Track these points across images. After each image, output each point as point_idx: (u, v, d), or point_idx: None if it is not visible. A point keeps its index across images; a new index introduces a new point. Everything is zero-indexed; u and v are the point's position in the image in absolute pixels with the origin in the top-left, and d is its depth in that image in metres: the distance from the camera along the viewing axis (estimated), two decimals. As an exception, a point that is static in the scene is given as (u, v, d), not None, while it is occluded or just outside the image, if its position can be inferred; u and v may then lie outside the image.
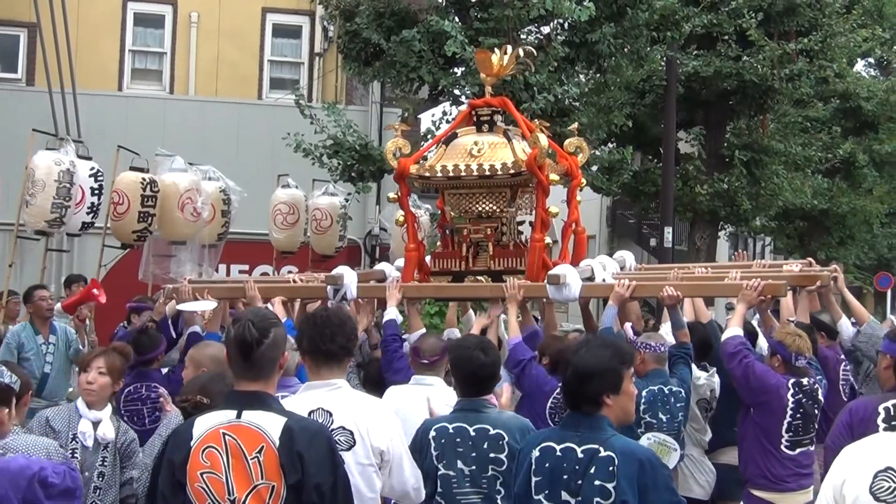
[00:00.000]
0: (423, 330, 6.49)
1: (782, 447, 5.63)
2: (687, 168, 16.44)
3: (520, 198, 6.66)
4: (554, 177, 6.42)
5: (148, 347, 6.45)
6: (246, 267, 13.68)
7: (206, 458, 3.14)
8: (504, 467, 4.36)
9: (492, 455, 4.40)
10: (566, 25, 11.29)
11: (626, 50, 11.62)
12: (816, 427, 5.79)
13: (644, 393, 5.79)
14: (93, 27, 15.33)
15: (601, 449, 3.41)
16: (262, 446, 3.12)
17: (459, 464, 4.42)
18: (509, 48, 6.88)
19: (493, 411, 4.55)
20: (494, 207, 6.57)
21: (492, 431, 4.41)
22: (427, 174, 6.59)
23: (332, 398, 3.87)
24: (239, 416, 3.18)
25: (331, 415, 3.84)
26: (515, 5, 10.23)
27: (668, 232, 15.33)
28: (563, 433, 3.55)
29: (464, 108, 7.02)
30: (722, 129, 16.78)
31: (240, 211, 10.73)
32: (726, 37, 15.42)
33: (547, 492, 3.49)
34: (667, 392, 5.99)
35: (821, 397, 5.74)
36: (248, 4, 16.09)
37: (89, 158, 9.83)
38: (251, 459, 3.12)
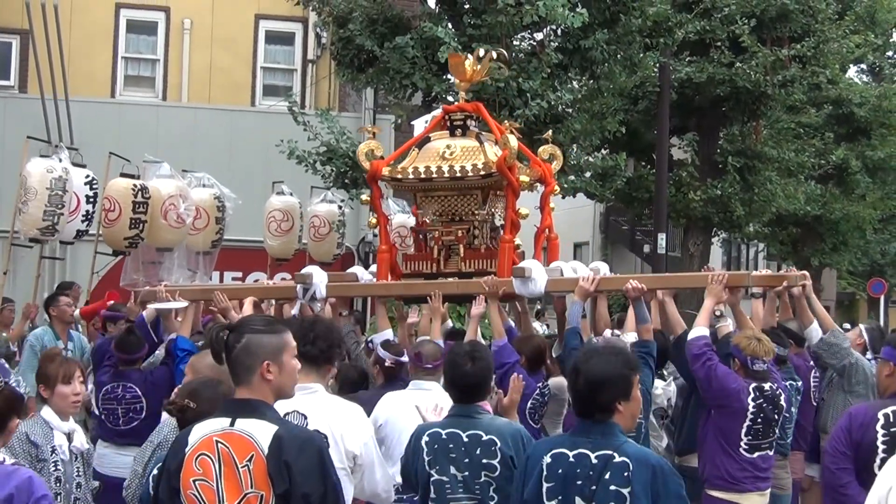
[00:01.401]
0: (389, 330, 6.53)
1: (741, 450, 5.62)
2: (680, 174, 16.47)
3: (493, 203, 6.68)
4: (524, 178, 6.44)
5: (136, 347, 6.61)
6: (240, 274, 13.66)
7: (198, 465, 3.15)
8: (497, 473, 4.35)
9: (484, 461, 4.38)
10: (559, 32, 11.31)
11: (619, 56, 11.63)
12: (777, 432, 5.77)
13: None
14: (85, 34, 15.26)
15: (615, 454, 3.44)
16: (252, 455, 3.12)
17: (452, 469, 4.40)
18: (482, 51, 6.92)
19: (486, 417, 4.54)
20: (465, 210, 6.62)
21: (484, 437, 4.39)
22: (399, 176, 6.66)
23: (307, 402, 3.92)
24: (233, 423, 3.17)
25: (305, 418, 3.90)
26: (508, 12, 10.23)
27: (662, 238, 15.37)
28: (574, 439, 3.57)
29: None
30: (715, 136, 16.80)
31: (234, 218, 10.69)
32: (719, 43, 15.46)
33: (560, 497, 3.51)
34: None
35: (783, 403, 5.70)
36: (241, 11, 16.05)
37: (84, 166, 9.81)
38: (242, 468, 3.11)
